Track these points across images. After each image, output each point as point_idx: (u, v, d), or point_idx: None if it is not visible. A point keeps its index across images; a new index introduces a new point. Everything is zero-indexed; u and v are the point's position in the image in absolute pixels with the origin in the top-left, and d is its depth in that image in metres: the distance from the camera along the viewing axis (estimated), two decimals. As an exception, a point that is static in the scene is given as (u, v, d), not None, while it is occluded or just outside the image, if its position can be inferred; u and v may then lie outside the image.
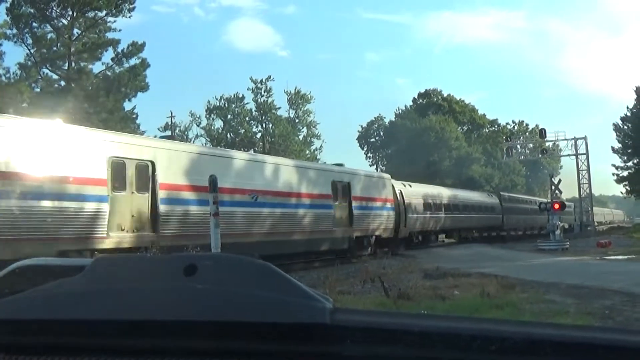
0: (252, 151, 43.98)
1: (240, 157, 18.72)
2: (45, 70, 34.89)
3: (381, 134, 68.14)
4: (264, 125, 52.99)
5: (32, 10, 33.31)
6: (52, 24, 34.04)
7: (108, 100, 33.14)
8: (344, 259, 20.18)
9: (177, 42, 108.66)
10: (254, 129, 53.37)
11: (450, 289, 11.00)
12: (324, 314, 0.83)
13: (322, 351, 0.84)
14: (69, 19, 34.03)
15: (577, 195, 44.97)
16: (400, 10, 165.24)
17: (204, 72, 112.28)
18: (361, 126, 69.09)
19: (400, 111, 66.45)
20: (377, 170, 62.29)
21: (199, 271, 0.89)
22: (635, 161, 49.47)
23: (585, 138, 44.58)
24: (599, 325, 6.20)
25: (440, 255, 23.16)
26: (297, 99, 54.40)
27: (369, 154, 68.26)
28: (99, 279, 0.96)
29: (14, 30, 33.10)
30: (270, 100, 52.52)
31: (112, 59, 35.23)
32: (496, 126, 72.57)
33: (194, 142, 48.20)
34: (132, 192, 13.49)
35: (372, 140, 68.80)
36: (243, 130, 52.35)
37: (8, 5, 32.50)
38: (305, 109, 54.77)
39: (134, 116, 37.01)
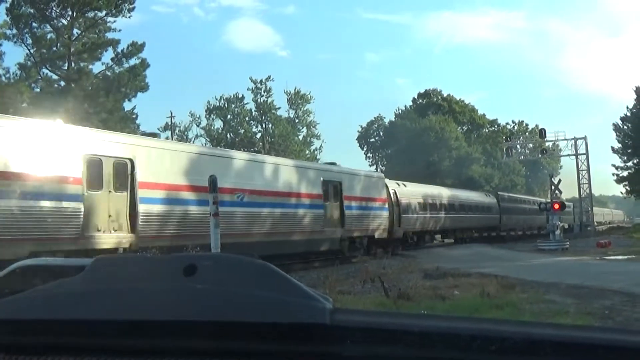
0: (251, 151, 43.99)
1: (226, 156, 18.18)
2: (45, 71, 34.93)
3: (381, 134, 68.19)
4: (263, 126, 53.03)
5: (32, 11, 33.31)
6: (52, 24, 34.05)
7: (108, 100, 33.14)
8: (344, 259, 20.11)
9: (177, 42, 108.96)
10: (254, 129, 53.45)
11: (450, 289, 11.00)
12: (324, 314, 0.83)
13: (322, 351, 0.84)
14: (68, 19, 34.04)
15: (577, 196, 44.97)
16: (400, 10, 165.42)
17: (204, 72, 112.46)
18: (361, 126, 69.27)
19: (400, 111, 66.56)
20: (377, 171, 62.44)
21: (198, 271, 0.89)
22: (635, 161, 49.49)
23: (585, 138, 44.64)
24: (598, 326, 6.20)
25: (440, 256, 23.17)
26: (297, 99, 54.43)
27: (368, 154, 68.42)
28: (99, 279, 0.96)
29: (14, 31, 33.14)
30: (270, 100, 52.60)
31: (112, 59, 35.27)
32: (496, 126, 72.63)
33: (193, 142, 48.27)
34: (110, 191, 13.01)
35: (372, 140, 68.86)
36: (243, 130, 52.38)
37: (8, 5, 32.56)
38: (305, 109, 54.85)
39: (134, 116, 37.01)
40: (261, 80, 52.42)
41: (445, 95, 68.45)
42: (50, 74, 34.93)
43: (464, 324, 0.85)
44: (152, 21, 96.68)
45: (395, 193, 25.58)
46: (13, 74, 33.20)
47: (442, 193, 33.18)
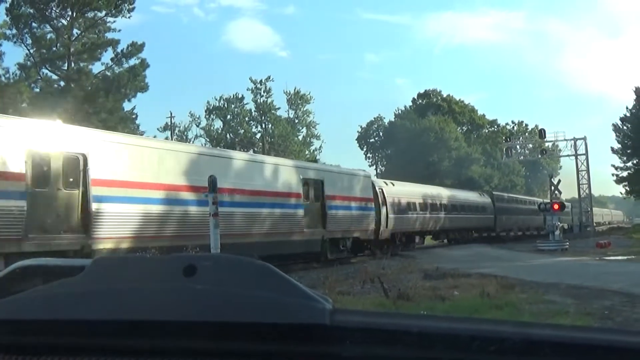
0: (251, 151, 44.01)
1: (193, 152, 17.00)
2: (45, 71, 35.00)
3: (381, 134, 68.30)
4: (263, 126, 53.10)
5: (31, 11, 33.35)
6: (52, 24, 34.08)
7: (107, 100, 33.16)
8: (344, 259, 20.04)
9: (177, 43, 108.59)
10: (254, 129, 53.55)
11: (449, 290, 11.01)
12: (324, 315, 0.83)
13: (321, 352, 0.84)
14: (68, 19, 34.07)
15: (576, 196, 44.97)
16: (400, 10, 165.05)
17: (204, 72, 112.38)
18: (361, 127, 69.38)
19: (400, 112, 66.67)
20: (376, 171, 62.55)
21: (198, 272, 0.89)
22: (634, 162, 49.51)
23: (584, 138, 44.64)
24: (598, 326, 6.21)
25: (439, 256, 23.18)
26: (297, 100, 54.51)
27: (368, 155, 68.54)
28: (99, 279, 0.96)
29: (14, 31, 33.22)
30: (269, 100, 52.70)
31: (112, 59, 35.34)
32: (496, 126, 72.72)
33: (193, 142, 48.26)
34: (58, 189, 11.95)
35: (372, 140, 68.96)
36: (242, 130, 52.43)
37: (8, 5, 32.62)
38: (304, 109, 54.96)
39: (134, 116, 37.06)
40: (261, 81, 52.57)
41: (445, 96, 68.58)
42: (50, 74, 35.04)
43: (464, 324, 0.85)
44: (152, 21, 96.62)
45: (382, 192, 24.45)
46: (13, 74, 33.32)
47: (434, 193, 31.85)
